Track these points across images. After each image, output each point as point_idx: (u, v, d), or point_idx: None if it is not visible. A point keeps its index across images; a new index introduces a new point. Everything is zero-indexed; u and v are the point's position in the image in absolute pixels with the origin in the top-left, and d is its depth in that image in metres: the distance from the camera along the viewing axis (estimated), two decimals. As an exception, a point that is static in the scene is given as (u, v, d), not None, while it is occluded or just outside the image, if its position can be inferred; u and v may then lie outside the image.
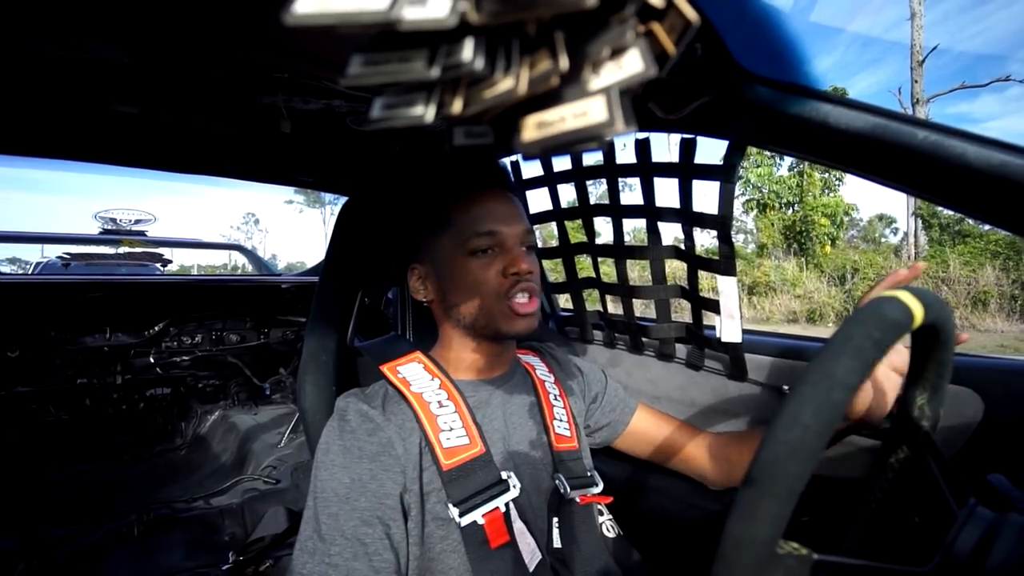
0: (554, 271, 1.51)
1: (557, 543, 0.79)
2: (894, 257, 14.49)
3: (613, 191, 1.11)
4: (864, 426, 0.74)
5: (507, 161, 1.22)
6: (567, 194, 1.26)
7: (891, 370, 0.72)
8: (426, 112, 0.27)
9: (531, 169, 1.23)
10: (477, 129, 0.30)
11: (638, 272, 7.68)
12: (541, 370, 0.97)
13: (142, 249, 3.19)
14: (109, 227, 3.15)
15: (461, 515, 0.71)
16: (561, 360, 1.03)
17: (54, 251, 3.73)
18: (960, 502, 0.43)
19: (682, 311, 1.21)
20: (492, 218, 0.81)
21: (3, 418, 2.28)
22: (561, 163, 1.18)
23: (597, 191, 1.09)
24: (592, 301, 1.36)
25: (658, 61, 0.28)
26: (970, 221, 12.43)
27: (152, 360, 2.55)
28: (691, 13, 0.28)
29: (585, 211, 1.18)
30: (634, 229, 8.28)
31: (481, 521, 0.72)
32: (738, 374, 1.05)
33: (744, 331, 1.00)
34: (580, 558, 0.81)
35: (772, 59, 0.65)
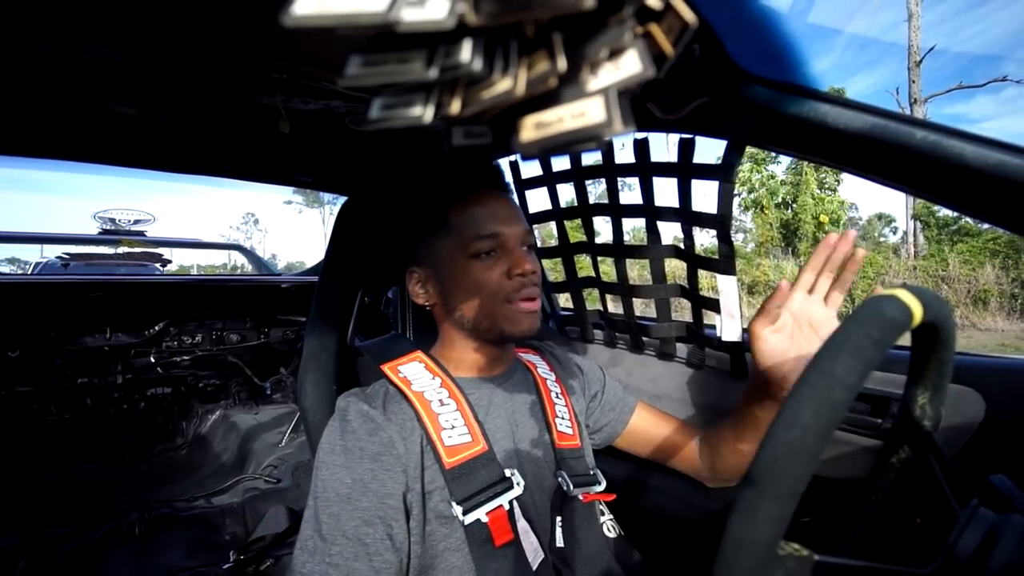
0: (554, 271, 1.51)
1: (560, 542, 0.79)
2: (893, 256, 14.47)
3: (612, 191, 1.11)
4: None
5: (506, 161, 1.22)
6: (566, 194, 1.26)
7: (808, 326, 0.78)
8: (425, 112, 0.27)
9: (530, 169, 1.23)
10: (476, 129, 0.30)
11: (638, 271, 7.69)
12: (542, 368, 0.97)
13: (141, 249, 3.19)
14: (108, 227, 3.15)
15: (465, 513, 0.71)
16: (561, 358, 1.03)
17: (53, 251, 3.73)
18: (962, 503, 0.43)
19: (682, 310, 1.21)
20: (493, 219, 0.80)
21: (4, 418, 2.28)
22: (560, 163, 1.18)
23: (596, 191, 1.09)
24: (592, 300, 1.36)
25: (656, 62, 0.28)
26: (969, 220, 12.42)
27: (152, 360, 2.55)
28: (689, 14, 0.28)
29: (584, 211, 1.17)
30: (633, 228, 8.28)
31: (485, 519, 0.72)
32: (739, 373, 1.05)
33: (744, 330, 1.00)
34: (581, 557, 0.81)
35: (770, 59, 0.65)
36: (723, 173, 0.87)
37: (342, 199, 1.18)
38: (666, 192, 1.01)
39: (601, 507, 0.93)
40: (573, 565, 0.78)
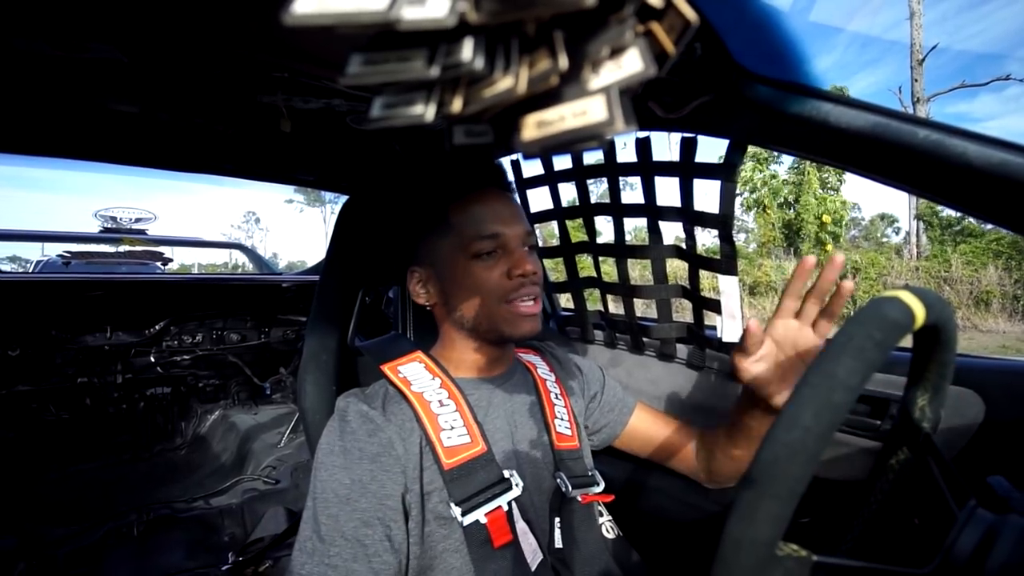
0: (555, 270, 1.51)
1: (559, 543, 0.79)
2: (896, 256, 14.46)
3: (614, 190, 1.10)
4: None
5: (507, 160, 1.22)
6: (568, 193, 1.26)
7: (793, 352, 0.74)
8: (426, 111, 0.27)
9: (531, 168, 1.23)
10: (477, 128, 0.30)
11: (639, 271, 7.69)
12: (542, 369, 0.97)
13: (142, 248, 3.19)
14: (109, 226, 3.15)
15: (463, 514, 0.71)
16: (561, 359, 1.03)
17: (54, 250, 3.74)
18: (960, 504, 0.42)
19: (683, 311, 1.21)
20: (494, 219, 0.80)
21: (3, 417, 2.28)
22: (562, 162, 1.18)
23: (598, 190, 1.09)
24: (593, 301, 1.36)
25: (657, 60, 0.28)
26: (972, 220, 12.42)
27: (152, 359, 2.55)
28: (690, 13, 0.28)
29: (586, 210, 1.17)
30: (635, 228, 8.28)
31: (483, 520, 0.72)
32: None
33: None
34: (580, 558, 0.81)
35: (772, 58, 0.65)
36: (725, 172, 0.87)
37: (343, 198, 1.18)
38: (668, 192, 1.01)
39: (600, 508, 0.93)
40: (572, 566, 0.78)
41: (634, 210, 1.09)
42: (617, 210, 1.11)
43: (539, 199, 1.26)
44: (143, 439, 2.68)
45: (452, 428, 0.76)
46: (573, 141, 0.28)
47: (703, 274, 1.04)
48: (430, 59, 0.25)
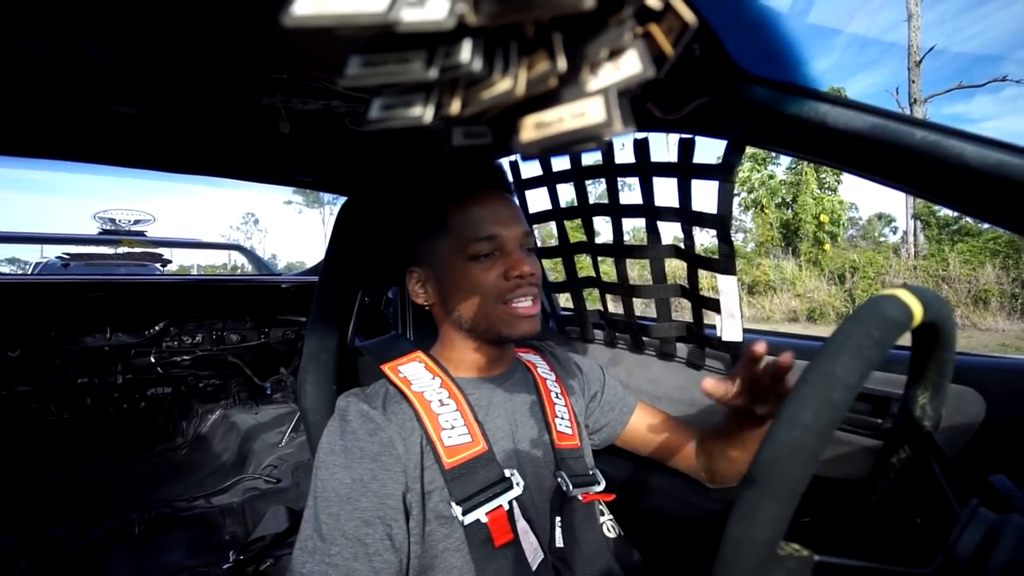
0: (554, 271, 1.51)
1: (559, 542, 0.79)
2: (893, 256, 14.46)
3: (612, 191, 1.11)
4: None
5: (506, 161, 1.22)
6: (566, 194, 1.26)
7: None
8: (425, 113, 0.27)
9: (530, 169, 1.23)
10: (476, 129, 0.30)
11: (638, 271, 7.69)
12: (542, 368, 0.97)
13: (141, 249, 3.19)
14: (108, 227, 3.15)
15: (464, 513, 0.71)
16: (561, 358, 1.03)
17: (53, 251, 3.73)
18: (962, 503, 0.43)
19: (682, 310, 1.21)
20: (491, 221, 0.80)
21: (4, 417, 2.28)
22: (560, 163, 1.18)
23: (596, 191, 1.09)
24: (592, 300, 1.36)
25: (656, 62, 0.28)
26: (969, 219, 12.42)
27: (153, 360, 2.55)
28: (688, 15, 0.28)
29: (584, 211, 1.17)
30: (633, 228, 8.29)
31: (484, 519, 0.72)
32: (738, 373, 1.05)
33: (745, 330, 1.00)
34: (581, 557, 0.81)
35: (770, 60, 0.65)
36: (723, 173, 0.87)
37: (342, 199, 1.18)
38: (666, 192, 1.01)
39: (601, 507, 0.93)
40: (573, 565, 0.78)
41: (633, 210, 1.09)
42: (616, 210, 1.11)
43: (538, 200, 1.26)
44: (144, 439, 2.68)
45: (453, 427, 0.76)
46: (572, 142, 0.28)
47: (702, 274, 1.04)
48: (429, 61, 0.25)
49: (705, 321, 1.09)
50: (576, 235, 1.27)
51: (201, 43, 0.75)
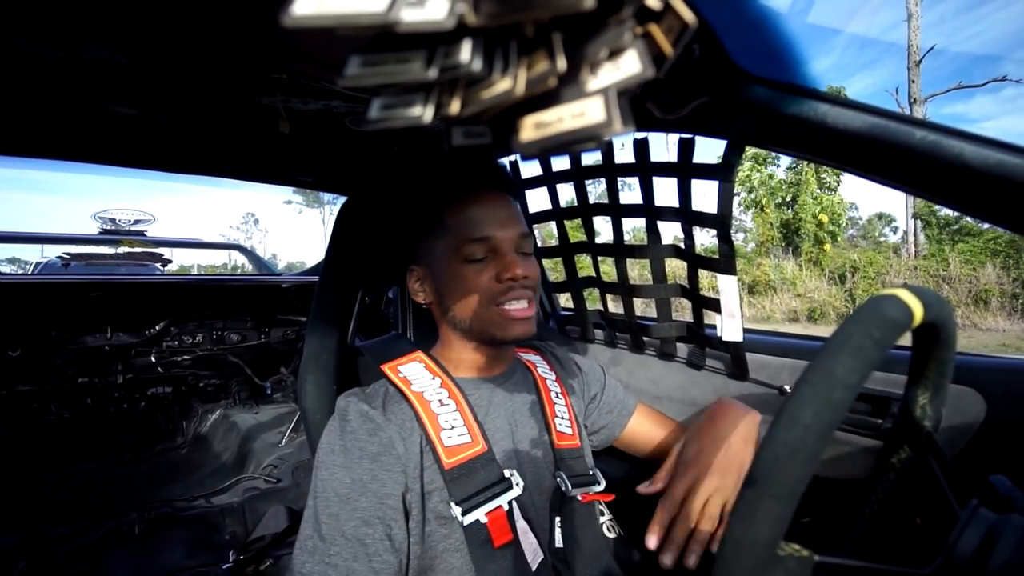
0: (554, 271, 1.51)
1: (559, 542, 0.79)
2: (894, 256, 14.46)
3: (612, 190, 1.11)
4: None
5: (506, 161, 1.22)
6: (566, 193, 1.26)
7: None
8: (424, 112, 0.27)
9: (530, 169, 1.23)
10: (475, 129, 0.30)
11: (638, 271, 7.69)
12: (542, 368, 0.97)
13: (142, 249, 3.19)
14: (108, 227, 3.15)
15: (464, 514, 0.71)
16: (562, 358, 1.03)
17: (54, 251, 3.73)
18: (962, 503, 0.43)
19: (683, 310, 1.21)
20: (486, 222, 0.79)
21: (4, 417, 2.28)
22: (560, 163, 1.18)
23: (596, 190, 1.09)
24: (593, 300, 1.36)
25: (656, 62, 0.28)
26: (969, 219, 12.42)
27: (153, 359, 2.55)
28: (688, 15, 0.28)
29: (585, 210, 1.17)
30: (634, 228, 8.29)
31: (484, 520, 0.72)
32: (739, 373, 1.05)
33: (745, 330, 1.00)
34: (581, 557, 0.81)
35: (770, 59, 0.65)
36: (723, 173, 0.87)
37: (342, 199, 1.18)
38: (666, 192, 1.01)
39: (601, 507, 0.93)
40: (573, 565, 0.78)
41: (633, 210, 1.09)
42: (616, 210, 1.11)
43: (538, 200, 1.26)
44: (144, 439, 2.68)
45: (452, 428, 0.76)
46: (571, 142, 0.28)
47: (702, 273, 1.04)
48: (429, 61, 0.25)
49: (705, 321, 1.09)
50: (576, 235, 1.27)
51: (201, 43, 0.75)
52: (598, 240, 1.21)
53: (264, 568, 1.66)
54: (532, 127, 0.28)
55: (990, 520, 0.39)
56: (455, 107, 0.27)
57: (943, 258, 12.38)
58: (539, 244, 1.03)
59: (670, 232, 1.33)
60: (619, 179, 1.08)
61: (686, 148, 0.91)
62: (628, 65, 0.27)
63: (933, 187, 0.60)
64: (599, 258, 1.23)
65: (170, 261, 3.39)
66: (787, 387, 1.00)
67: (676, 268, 1.17)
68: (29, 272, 4.38)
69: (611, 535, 0.91)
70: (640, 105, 0.79)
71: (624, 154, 1.05)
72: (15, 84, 0.90)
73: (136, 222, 3.23)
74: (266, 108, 1.00)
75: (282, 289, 2.63)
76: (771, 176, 15.39)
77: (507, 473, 0.76)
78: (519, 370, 0.94)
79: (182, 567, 1.81)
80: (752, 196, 15.62)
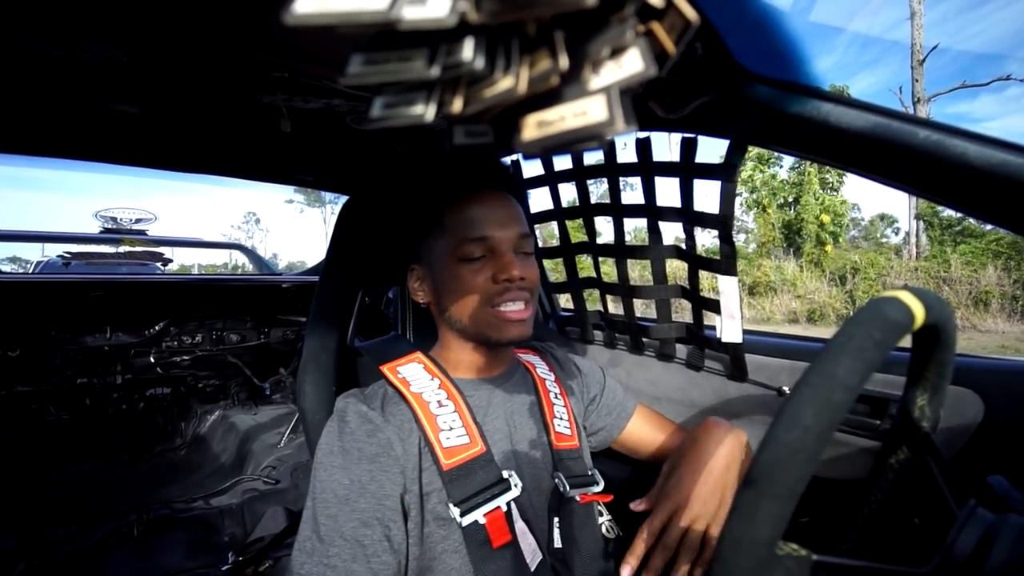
0: (555, 271, 1.51)
1: (558, 543, 0.78)
2: (895, 257, 14.46)
3: (614, 190, 1.11)
4: None
5: (508, 160, 1.22)
6: (568, 193, 1.26)
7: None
8: (426, 111, 0.27)
9: (532, 168, 1.23)
10: (477, 128, 0.30)
11: (639, 272, 7.69)
12: (541, 368, 0.97)
13: (143, 248, 3.18)
14: (109, 226, 3.14)
15: (462, 515, 0.71)
16: (561, 359, 1.03)
17: (55, 250, 3.72)
18: (960, 503, 0.43)
19: (683, 311, 1.21)
20: (485, 222, 0.79)
21: (3, 418, 2.28)
22: (562, 162, 1.18)
23: (598, 190, 1.09)
24: (593, 301, 1.36)
25: (658, 60, 0.28)
26: (972, 220, 12.42)
27: (152, 360, 2.55)
28: (691, 13, 0.28)
29: (586, 210, 1.17)
30: (635, 228, 8.28)
31: (482, 521, 0.72)
32: (739, 375, 1.05)
33: (745, 331, 1.00)
34: (580, 558, 0.81)
35: (772, 58, 0.65)
36: (725, 173, 0.87)
37: (343, 198, 1.18)
38: (668, 192, 1.01)
39: (600, 508, 0.93)
40: (572, 566, 0.78)
41: (634, 210, 1.09)
42: (617, 210, 1.11)
43: (539, 199, 1.26)
44: (143, 439, 2.68)
45: (451, 429, 0.76)
46: (573, 141, 0.28)
47: (703, 274, 1.04)
48: (431, 59, 0.25)
49: (705, 322, 1.09)
50: (577, 235, 1.27)
51: (202, 42, 0.75)
52: (599, 240, 1.21)
53: (263, 569, 1.67)
54: (534, 126, 0.28)
55: (988, 520, 0.39)
56: (457, 106, 0.27)
57: (944, 259, 12.38)
58: (540, 244, 1.03)
59: (671, 232, 1.34)
60: (621, 179, 1.08)
61: (688, 148, 0.91)
62: (630, 64, 0.27)
63: (936, 187, 0.60)
64: (600, 258, 1.23)
65: (171, 260, 3.38)
66: (786, 388, 1.00)
67: (676, 269, 1.17)
68: (30, 271, 4.37)
69: (611, 536, 0.91)
70: (642, 104, 0.79)
71: (626, 154, 1.05)
72: (16, 82, 0.91)
73: (137, 221, 3.23)
74: (267, 107, 1.00)
75: (282, 289, 2.63)
76: (774, 176, 15.39)
77: (506, 474, 0.76)
78: (518, 371, 0.94)
79: (181, 568, 1.81)
80: (754, 196, 15.62)
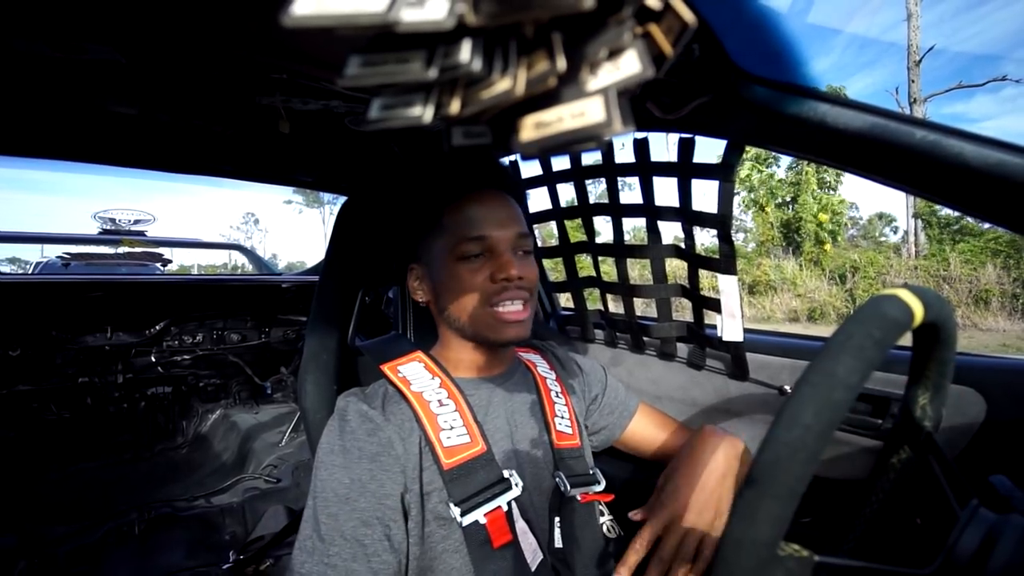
0: (554, 270, 1.51)
1: (558, 542, 0.79)
2: (894, 255, 14.45)
3: (612, 190, 1.11)
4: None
5: (506, 160, 1.22)
6: (566, 193, 1.25)
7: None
8: (424, 112, 0.27)
9: (530, 169, 1.23)
10: (475, 129, 0.30)
11: (638, 271, 7.69)
12: (543, 367, 0.97)
13: (142, 249, 3.19)
14: (108, 227, 3.14)
15: (463, 514, 0.70)
16: (562, 358, 1.03)
17: (54, 251, 3.73)
18: (962, 503, 0.43)
19: (683, 310, 1.21)
20: (483, 222, 0.79)
21: (4, 417, 2.28)
22: (560, 163, 1.18)
23: (596, 190, 1.09)
24: (593, 300, 1.36)
25: (655, 62, 0.28)
26: (970, 219, 12.42)
27: (153, 359, 2.55)
28: (688, 15, 0.28)
29: (585, 210, 1.17)
30: (634, 228, 8.29)
31: (483, 520, 0.72)
32: (739, 373, 1.05)
33: (745, 330, 1.00)
34: (581, 558, 0.81)
35: (770, 59, 0.65)
36: (723, 173, 0.87)
37: (342, 199, 1.18)
38: (666, 192, 1.01)
39: (601, 508, 0.93)
40: (572, 566, 0.78)
41: (633, 210, 1.09)
42: (616, 210, 1.11)
43: (538, 200, 1.26)
44: (144, 438, 2.68)
45: (452, 428, 0.76)
46: (571, 142, 0.28)
47: (702, 273, 1.04)
48: (429, 61, 0.25)
49: (706, 321, 1.09)
50: (576, 235, 1.27)
51: (201, 43, 0.75)
52: (598, 240, 1.21)
53: (264, 568, 1.66)
54: (532, 127, 0.28)
55: (990, 520, 0.39)
56: (455, 107, 0.27)
57: (943, 258, 12.38)
58: (539, 244, 1.03)
59: (670, 232, 1.33)
60: (619, 179, 1.08)
61: (686, 148, 0.91)
62: (628, 65, 0.27)
63: (933, 187, 0.60)
64: (599, 258, 1.23)
65: (170, 261, 3.38)
66: (787, 387, 1.00)
67: (676, 268, 1.17)
68: (29, 272, 4.37)
69: (612, 535, 0.91)
70: (640, 105, 0.79)
71: (624, 154, 1.05)
72: (15, 84, 0.91)
73: (136, 222, 3.23)
74: (266, 108, 1.00)
75: (282, 289, 2.63)
76: (771, 176, 15.39)
77: (506, 473, 0.76)
78: (519, 370, 0.94)
79: (182, 567, 1.81)
80: (752, 196, 15.62)
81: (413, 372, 0.82)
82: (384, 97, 0.27)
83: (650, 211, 1.05)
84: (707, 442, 0.84)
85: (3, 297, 2.06)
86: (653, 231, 1.08)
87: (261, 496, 2.20)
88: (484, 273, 0.79)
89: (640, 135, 0.98)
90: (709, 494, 0.78)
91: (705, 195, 1.00)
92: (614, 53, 0.27)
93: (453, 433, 0.76)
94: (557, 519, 0.80)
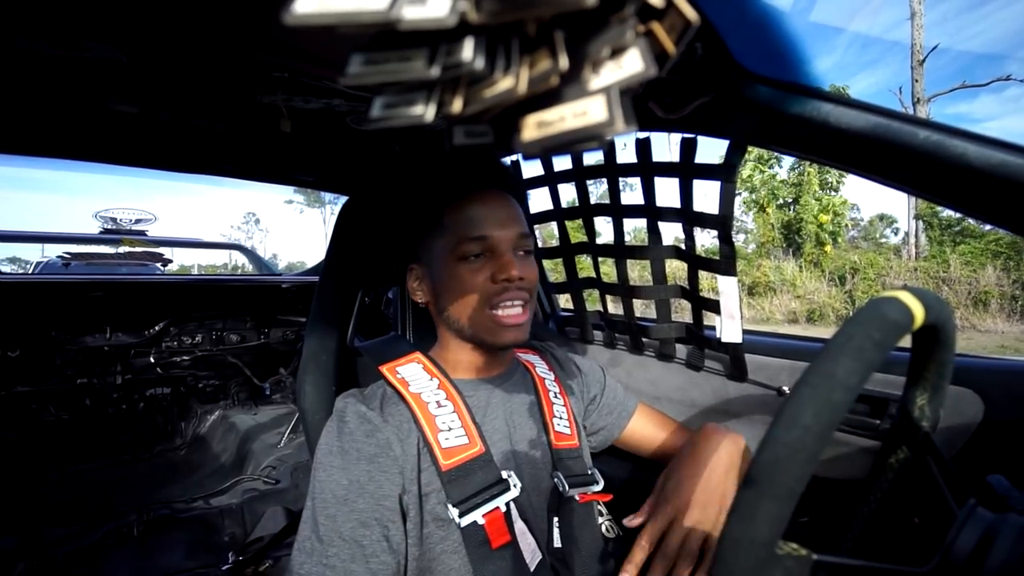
0: (554, 271, 1.51)
1: (557, 543, 0.78)
2: (894, 257, 14.46)
3: (613, 191, 1.11)
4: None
5: (507, 160, 1.22)
6: (567, 193, 1.25)
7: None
8: (426, 111, 0.27)
9: (531, 168, 1.23)
10: (477, 128, 0.30)
11: (638, 272, 7.69)
12: (541, 368, 0.97)
13: (142, 249, 3.18)
14: (109, 227, 3.14)
15: (461, 515, 0.70)
16: (561, 359, 1.03)
17: (54, 251, 3.72)
18: (960, 503, 0.43)
19: (682, 311, 1.21)
20: (484, 222, 0.79)
21: (3, 418, 2.28)
22: (561, 162, 1.18)
23: (598, 191, 1.09)
24: (592, 301, 1.36)
25: (658, 61, 0.28)
26: (971, 221, 12.41)
27: (152, 360, 2.55)
28: (691, 13, 0.28)
29: (585, 211, 1.17)
30: (634, 229, 8.28)
31: (481, 521, 0.72)
32: (738, 375, 1.05)
33: (744, 331, 1.00)
34: (580, 558, 0.81)
35: (772, 59, 0.65)
36: (725, 173, 0.87)
37: (343, 199, 1.18)
38: (667, 192, 1.01)
39: (600, 508, 0.93)
40: (572, 566, 0.78)
41: (634, 211, 1.09)
42: (617, 211, 1.11)
43: (539, 200, 1.26)
44: (143, 439, 2.68)
45: (450, 429, 0.76)
46: (573, 141, 0.28)
47: (702, 274, 1.04)
48: (431, 59, 0.25)
49: (705, 322, 1.09)
50: (577, 235, 1.27)
51: (202, 42, 0.75)
52: (599, 240, 1.21)
53: (263, 569, 1.67)
54: (534, 126, 0.28)
55: (987, 519, 0.40)
56: (457, 106, 0.27)
57: (944, 260, 12.38)
58: (540, 244, 1.03)
59: (671, 233, 1.34)
60: (620, 179, 1.08)
61: (688, 148, 0.91)
62: (630, 64, 0.27)
63: (936, 188, 0.60)
64: (599, 259, 1.23)
65: (171, 261, 3.38)
66: (786, 388, 1.00)
67: (676, 269, 1.17)
68: (29, 272, 4.37)
69: (611, 535, 0.91)
70: (642, 104, 0.79)
71: (626, 154, 1.05)
72: (16, 83, 0.91)
73: (137, 221, 3.22)
74: (267, 107, 1.00)
75: (282, 289, 2.63)
76: (773, 176, 15.38)
77: (505, 474, 0.76)
78: (518, 371, 0.94)
79: (181, 568, 1.81)
80: (753, 197, 15.62)
81: (412, 373, 0.82)
82: (386, 96, 0.27)
83: (651, 212, 1.05)
84: (709, 439, 0.84)
85: (3, 297, 2.06)
86: (654, 232, 1.08)
87: (260, 497, 2.19)
88: (485, 273, 0.78)
89: (642, 135, 0.98)
90: (712, 490, 0.78)
91: (706, 196, 1.00)
92: (616, 52, 0.28)
93: (451, 434, 0.76)
94: (556, 519, 0.80)
